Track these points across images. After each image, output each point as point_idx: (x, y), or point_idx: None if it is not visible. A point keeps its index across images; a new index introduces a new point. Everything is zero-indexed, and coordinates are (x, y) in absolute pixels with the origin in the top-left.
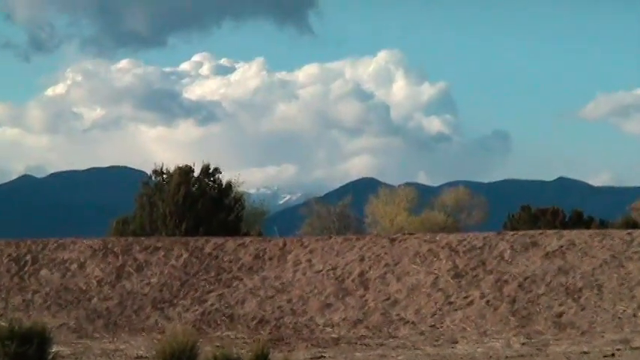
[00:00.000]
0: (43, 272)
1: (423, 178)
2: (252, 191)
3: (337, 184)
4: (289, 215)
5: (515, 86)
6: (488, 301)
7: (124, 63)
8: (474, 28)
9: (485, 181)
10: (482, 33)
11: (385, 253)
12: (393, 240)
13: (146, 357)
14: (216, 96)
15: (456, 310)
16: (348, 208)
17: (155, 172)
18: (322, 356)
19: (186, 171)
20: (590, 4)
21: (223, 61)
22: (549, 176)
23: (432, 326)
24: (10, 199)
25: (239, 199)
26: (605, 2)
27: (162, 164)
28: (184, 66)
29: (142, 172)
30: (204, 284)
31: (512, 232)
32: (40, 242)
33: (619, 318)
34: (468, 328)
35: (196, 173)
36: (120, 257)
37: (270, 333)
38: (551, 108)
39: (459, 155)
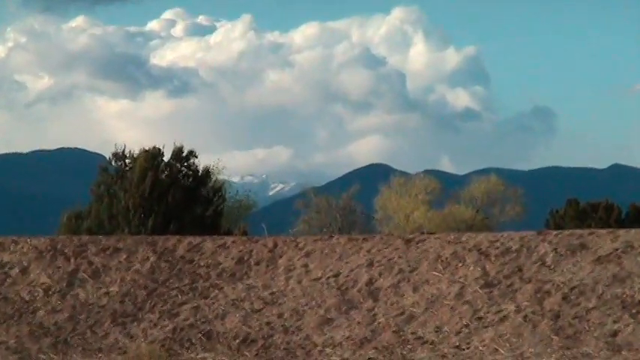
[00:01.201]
0: None
1: (446, 165)
2: (235, 180)
3: (340, 172)
4: (281, 209)
5: (561, 54)
6: (525, 317)
7: (78, 21)
8: None
9: (524, 168)
10: None
11: (399, 257)
12: (408, 241)
13: None
14: (192, 62)
15: (486, 327)
16: (353, 201)
17: (115, 155)
18: None
19: (153, 154)
20: None
21: (201, 19)
22: (601, 163)
23: (456, 347)
24: None
25: (219, 190)
26: None
27: (125, 146)
28: (153, 25)
29: (99, 156)
30: (175, 294)
31: (555, 232)
32: None
33: None
34: (501, 350)
35: (166, 157)
36: (72, 260)
37: (256, 355)
38: (604, 80)
39: (491, 137)
